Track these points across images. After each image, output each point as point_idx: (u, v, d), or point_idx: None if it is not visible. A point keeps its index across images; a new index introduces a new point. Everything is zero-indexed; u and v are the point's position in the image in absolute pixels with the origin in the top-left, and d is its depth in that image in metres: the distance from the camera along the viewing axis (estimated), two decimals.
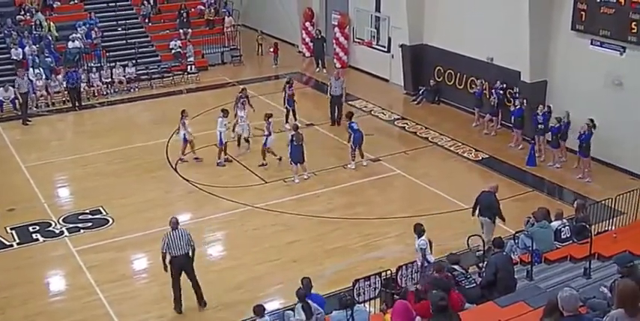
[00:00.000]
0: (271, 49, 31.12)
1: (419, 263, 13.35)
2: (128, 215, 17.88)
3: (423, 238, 13.47)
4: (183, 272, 13.70)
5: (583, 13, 19.89)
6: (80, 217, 17.80)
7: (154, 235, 16.78)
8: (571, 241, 13.68)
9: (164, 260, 13.62)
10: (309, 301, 11.11)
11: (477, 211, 15.84)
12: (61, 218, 17.73)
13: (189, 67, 29.17)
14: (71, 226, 17.40)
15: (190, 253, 13.70)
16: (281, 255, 15.97)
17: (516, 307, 10.57)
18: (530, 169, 20.27)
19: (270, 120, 20.43)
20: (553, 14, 20.92)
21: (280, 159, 20.22)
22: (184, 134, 20.67)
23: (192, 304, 14.15)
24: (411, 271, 13.14)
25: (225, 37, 31.81)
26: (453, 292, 9.55)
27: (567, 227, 13.89)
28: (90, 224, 17.50)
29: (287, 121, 23.37)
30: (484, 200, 15.74)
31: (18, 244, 16.68)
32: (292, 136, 19.52)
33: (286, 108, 23.42)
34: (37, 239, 16.87)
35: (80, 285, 15.01)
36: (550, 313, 8.39)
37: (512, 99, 22.05)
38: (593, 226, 14.20)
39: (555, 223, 13.92)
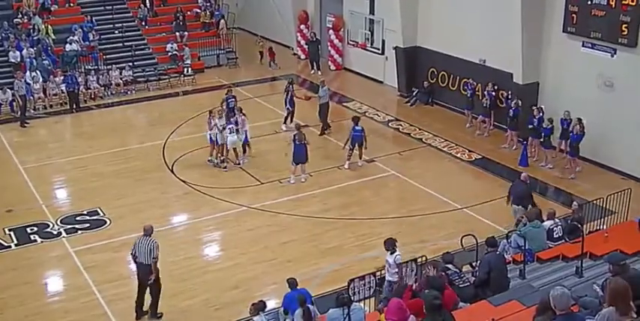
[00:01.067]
0: (267, 54, 31.13)
1: (393, 279, 12.93)
2: (125, 216, 17.86)
3: (398, 252, 13.04)
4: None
5: (574, 15, 19.94)
6: (78, 218, 17.77)
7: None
8: (563, 241, 13.72)
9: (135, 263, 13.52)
10: (310, 306, 11.11)
11: (510, 200, 16.44)
12: (59, 219, 17.71)
13: (185, 69, 29.14)
14: (69, 227, 17.37)
15: (152, 266, 13.27)
16: (277, 255, 15.97)
17: (509, 305, 10.59)
18: (523, 170, 20.25)
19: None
20: (545, 17, 20.97)
21: (286, 155, 19.91)
22: (210, 135, 20.55)
23: (190, 303, 14.19)
24: (406, 271, 13.12)
25: (221, 39, 31.81)
26: (446, 290, 9.56)
27: (559, 227, 13.94)
28: (87, 225, 17.48)
29: (285, 122, 23.39)
30: (516, 189, 16.36)
31: (16, 245, 16.65)
32: (295, 135, 19.46)
33: (287, 109, 23.43)
34: (35, 240, 16.84)
35: (78, 285, 14.99)
36: (542, 311, 8.40)
37: (505, 100, 22.09)
38: (584, 226, 14.24)
39: (547, 223, 13.96)
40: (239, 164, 20.68)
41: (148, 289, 13.58)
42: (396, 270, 12.86)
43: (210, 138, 20.53)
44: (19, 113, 24.64)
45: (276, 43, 32.75)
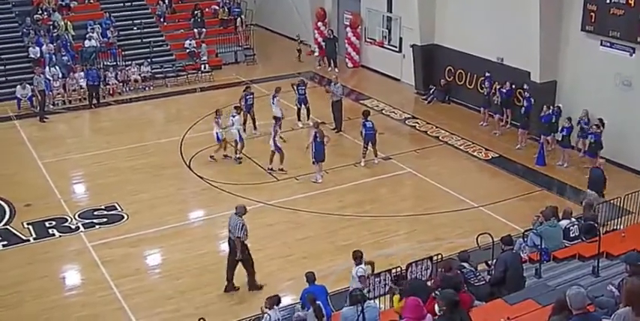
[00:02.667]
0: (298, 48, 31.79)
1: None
2: (142, 211, 17.97)
3: (362, 265, 12.79)
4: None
5: (593, 14, 19.81)
6: (95, 213, 17.90)
7: (167, 231, 17.02)
8: (580, 240, 13.63)
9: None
10: (319, 304, 11.15)
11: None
12: (77, 214, 17.83)
13: (202, 66, 29.23)
14: (87, 221, 17.49)
15: (237, 243, 14.12)
16: (293, 251, 16.02)
17: (525, 304, 10.56)
18: (540, 169, 20.22)
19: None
20: (563, 15, 20.86)
21: (307, 147, 19.72)
22: (217, 133, 20.61)
23: (207, 298, 14.27)
24: (421, 269, 13.11)
25: (238, 36, 31.88)
26: (462, 293, 9.51)
27: (576, 226, 13.84)
28: (105, 220, 17.59)
29: (299, 119, 23.42)
30: (593, 175, 16.84)
31: (34, 239, 16.79)
32: (315, 133, 19.37)
33: (296, 106, 23.49)
34: (54, 234, 16.97)
35: (95, 280, 15.10)
36: (558, 311, 8.38)
37: (523, 99, 21.99)
38: (601, 225, 14.17)
39: (564, 222, 13.89)
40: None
41: (241, 264, 14.30)
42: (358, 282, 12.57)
43: (217, 135, 20.61)
44: (38, 108, 24.87)
45: (293, 40, 32.77)
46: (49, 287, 14.87)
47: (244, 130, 21.62)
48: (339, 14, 31.45)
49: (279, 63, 31.22)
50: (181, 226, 17.41)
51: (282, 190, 19.14)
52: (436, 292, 9.66)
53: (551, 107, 20.61)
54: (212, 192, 19.12)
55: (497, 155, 21.26)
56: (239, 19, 32.20)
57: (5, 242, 16.60)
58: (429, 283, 11.64)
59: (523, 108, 21.39)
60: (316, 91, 25.70)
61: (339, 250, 15.82)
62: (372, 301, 11.82)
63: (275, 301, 11.64)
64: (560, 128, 20.30)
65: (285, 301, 13.30)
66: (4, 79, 26.55)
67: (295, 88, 23.54)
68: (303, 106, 23.44)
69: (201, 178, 19.88)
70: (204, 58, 29.54)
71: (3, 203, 18.41)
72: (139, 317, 13.74)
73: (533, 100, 21.23)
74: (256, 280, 14.55)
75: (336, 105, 23.08)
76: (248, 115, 22.58)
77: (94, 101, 25.98)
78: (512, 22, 22.35)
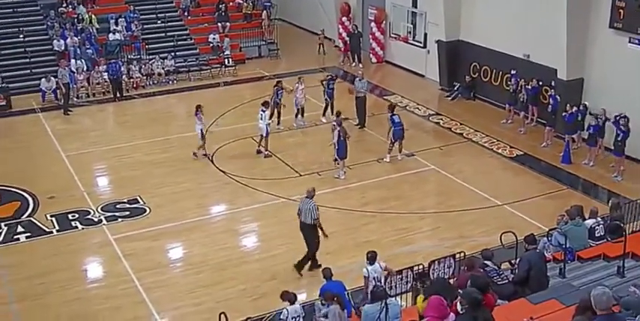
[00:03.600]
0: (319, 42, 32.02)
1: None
2: (164, 205, 18.06)
3: (369, 266, 12.71)
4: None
5: (621, 11, 19.61)
6: (118, 206, 18.03)
7: (189, 225, 17.11)
8: (605, 240, 13.53)
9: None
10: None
11: None
12: (100, 207, 17.97)
13: (225, 60, 29.31)
14: (109, 214, 17.62)
15: (316, 225, 14.70)
16: None
17: (549, 304, 10.49)
18: (565, 167, 20.08)
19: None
20: (591, 12, 20.66)
21: (331, 145, 19.83)
22: (201, 130, 20.66)
23: (228, 292, 14.33)
24: (444, 266, 13.09)
25: (262, 30, 31.93)
26: (488, 294, 9.45)
27: (601, 225, 13.74)
28: (127, 213, 17.72)
29: (324, 114, 23.45)
30: None
31: (58, 231, 16.94)
32: (339, 130, 19.27)
33: (326, 100, 23.52)
34: (76, 227, 17.12)
35: (117, 272, 15.22)
36: (583, 311, 8.33)
37: (548, 97, 21.83)
38: (627, 225, 14.05)
39: (589, 221, 13.79)
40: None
41: (306, 244, 14.83)
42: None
43: (201, 132, 20.56)
44: (62, 101, 25.06)
45: (317, 35, 32.79)
46: (72, 279, 15.00)
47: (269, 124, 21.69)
48: (364, 9, 31.39)
49: (302, 58, 31.23)
50: (203, 220, 17.49)
51: (305, 185, 19.02)
52: (459, 290, 9.63)
53: (575, 106, 20.41)
54: (234, 186, 19.18)
55: (522, 153, 21.14)
56: (264, 13, 32.25)
57: (29, 234, 16.78)
58: (452, 282, 11.61)
59: (549, 106, 21.25)
60: (340, 87, 25.64)
61: (360, 247, 15.74)
62: (394, 298, 11.82)
63: (291, 297, 11.68)
64: (586, 126, 20.14)
65: (307, 296, 13.36)
66: (28, 71, 26.79)
67: (325, 83, 23.53)
68: (330, 99, 23.48)
69: (223, 172, 19.95)
70: (227, 52, 29.62)
71: (27, 195, 18.60)
72: (159, 310, 13.83)
73: (559, 98, 21.08)
74: (317, 260, 15.02)
75: (360, 101, 23.06)
76: (275, 109, 22.65)
77: (118, 94, 26.17)
78: (539, 18, 22.19)
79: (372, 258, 12.70)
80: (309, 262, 14.95)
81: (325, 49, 32.01)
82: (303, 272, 14.84)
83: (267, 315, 13.22)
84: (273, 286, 14.41)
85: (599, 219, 13.98)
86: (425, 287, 11.12)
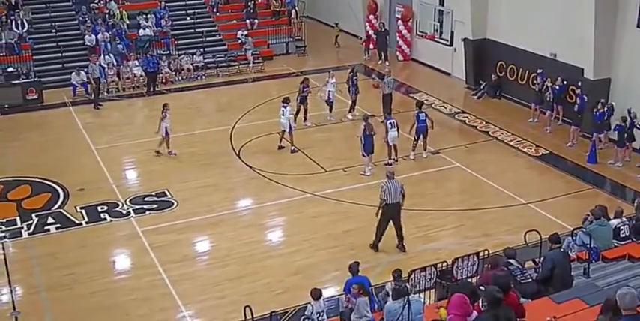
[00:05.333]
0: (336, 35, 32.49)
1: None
2: (191, 199, 18.15)
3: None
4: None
5: None
6: (146, 199, 18.15)
7: (215, 219, 17.20)
8: (630, 240, 13.38)
9: (380, 206, 15.18)
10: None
11: None
12: (128, 199, 18.11)
13: (250, 56, 29.29)
14: (137, 207, 17.75)
15: (401, 202, 15.26)
16: (339, 243, 16.00)
17: (572, 303, 10.39)
18: (591, 167, 19.89)
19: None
20: (618, 11, 20.44)
21: (358, 136, 19.74)
22: (166, 128, 20.56)
23: (252, 286, 14.37)
24: (467, 264, 13.01)
25: (290, 28, 31.95)
26: (511, 292, 9.38)
27: (626, 226, 13.58)
28: (155, 206, 17.83)
29: (350, 111, 23.43)
30: None
31: (87, 222, 17.11)
32: (364, 126, 19.28)
33: (354, 95, 23.51)
34: (105, 219, 17.26)
35: (144, 264, 15.33)
36: (606, 310, 8.27)
37: (575, 96, 21.61)
38: None
39: (614, 222, 13.63)
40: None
41: (394, 225, 15.41)
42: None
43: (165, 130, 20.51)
44: (92, 95, 25.25)
45: (345, 33, 32.79)
46: (100, 270, 15.13)
47: (295, 120, 21.71)
48: (391, 7, 31.32)
49: (329, 55, 31.24)
50: (229, 214, 17.55)
51: (330, 181, 19.14)
52: (480, 287, 9.59)
53: (605, 105, 20.24)
54: (260, 181, 19.23)
55: (547, 152, 20.98)
56: (293, 11, 32.29)
57: (59, 225, 16.95)
58: (474, 280, 11.55)
59: (576, 105, 21.03)
60: (365, 83, 25.62)
61: (384, 243, 15.73)
62: (417, 294, 11.78)
63: (317, 294, 11.69)
64: (613, 127, 19.93)
65: (331, 291, 13.37)
66: (60, 66, 27.04)
67: (350, 78, 23.52)
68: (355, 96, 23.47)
69: (249, 167, 20.00)
70: (250, 50, 29.50)
71: (57, 187, 18.80)
72: (185, 302, 13.90)
73: (586, 98, 20.86)
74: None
75: (386, 98, 23.01)
76: (301, 106, 22.64)
77: (152, 88, 26.36)
78: (566, 17, 21.99)
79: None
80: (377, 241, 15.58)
81: (340, 42, 32.62)
82: (337, 267, 14.68)
83: (291, 309, 13.23)
84: (297, 280, 14.50)
85: (624, 219, 13.80)
86: (449, 285, 11.08)
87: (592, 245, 12.62)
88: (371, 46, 31.17)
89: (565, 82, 22.07)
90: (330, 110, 23.20)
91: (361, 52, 31.34)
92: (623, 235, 13.46)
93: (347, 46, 32.40)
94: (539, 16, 23.18)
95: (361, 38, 31.99)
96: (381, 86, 23.27)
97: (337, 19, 33.86)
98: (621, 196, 18.26)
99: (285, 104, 20.86)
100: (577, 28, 21.30)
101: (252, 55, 29.35)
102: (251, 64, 29.05)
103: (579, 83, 21.47)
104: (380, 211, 15.27)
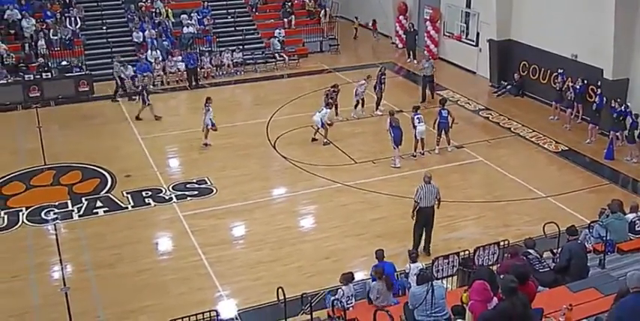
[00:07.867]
0: (371, 26, 32.98)
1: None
2: (229, 186, 18.24)
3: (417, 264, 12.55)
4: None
5: None
6: (187, 186, 18.28)
7: (251, 206, 17.28)
8: None
9: (414, 208, 14.58)
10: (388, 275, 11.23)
11: None
12: (171, 186, 18.26)
13: (276, 55, 29.13)
14: (179, 193, 17.89)
15: (436, 206, 14.69)
16: (367, 230, 15.99)
17: (587, 292, 10.34)
18: (608, 163, 19.64)
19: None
20: (639, 13, 20.08)
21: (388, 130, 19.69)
22: (211, 119, 20.57)
23: (285, 269, 14.44)
24: (488, 253, 12.94)
25: (323, 27, 31.95)
26: (529, 281, 9.33)
27: None
28: (196, 192, 17.95)
29: (377, 107, 23.38)
30: None
31: (132, 207, 17.29)
32: (391, 120, 19.31)
33: (376, 94, 23.46)
34: (149, 203, 17.44)
35: (185, 246, 15.46)
36: (619, 299, 8.20)
37: (594, 95, 21.32)
38: None
39: (630, 216, 13.46)
40: None
41: (425, 229, 14.76)
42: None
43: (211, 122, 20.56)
44: (140, 88, 25.37)
45: (385, 37, 32.79)
46: (144, 251, 15.31)
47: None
48: (420, 9, 31.15)
49: (361, 53, 31.18)
50: (264, 201, 17.62)
51: (360, 172, 19.12)
52: (501, 276, 9.55)
53: (623, 104, 19.93)
54: (294, 171, 19.26)
55: (566, 148, 20.73)
56: (324, 11, 32.29)
57: (107, 208, 17.17)
58: (494, 268, 11.49)
59: (594, 104, 20.76)
60: (394, 81, 25.50)
61: (409, 232, 15.57)
62: (440, 281, 11.77)
63: (349, 277, 11.71)
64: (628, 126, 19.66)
65: (359, 276, 13.37)
66: (110, 60, 27.24)
67: (379, 76, 23.47)
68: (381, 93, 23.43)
69: (284, 158, 20.05)
70: (278, 48, 29.38)
71: (106, 173, 19.03)
72: (222, 283, 14.00)
73: (604, 97, 20.57)
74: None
75: (425, 80, 23.83)
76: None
77: (193, 83, 26.47)
78: (587, 19, 21.67)
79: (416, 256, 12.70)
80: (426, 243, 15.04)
81: (358, 35, 33.39)
82: (364, 253, 14.62)
83: (321, 291, 13.26)
84: (327, 264, 14.53)
85: (639, 214, 13.64)
86: (471, 272, 11.04)
87: (608, 238, 12.49)
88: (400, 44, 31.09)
89: (585, 82, 21.78)
90: (362, 105, 23.14)
91: (392, 50, 31.19)
92: (638, 229, 13.30)
93: (379, 45, 32.27)
94: (562, 19, 22.88)
95: (391, 38, 31.90)
96: (424, 68, 23.36)
97: (370, 19, 33.79)
98: (636, 191, 18.00)
99: (325, 107, 20.96)
100: (598, 29, 20.98)
101: (279, 55, 29.18)
102: (288, 61, 29.04)
103: (599, 83, 21.20)
104: (414, 214, 14.75)
